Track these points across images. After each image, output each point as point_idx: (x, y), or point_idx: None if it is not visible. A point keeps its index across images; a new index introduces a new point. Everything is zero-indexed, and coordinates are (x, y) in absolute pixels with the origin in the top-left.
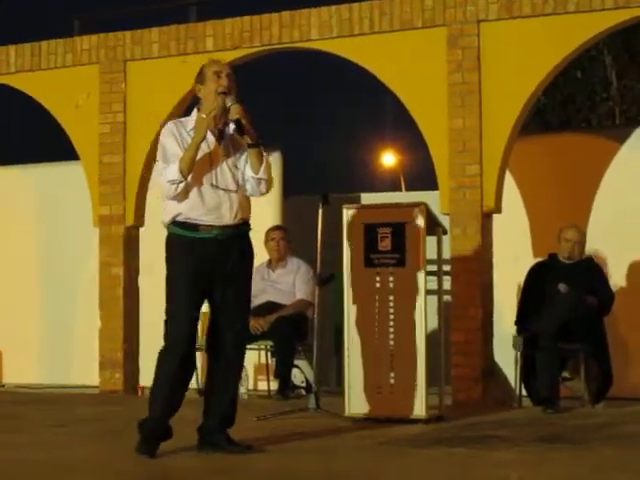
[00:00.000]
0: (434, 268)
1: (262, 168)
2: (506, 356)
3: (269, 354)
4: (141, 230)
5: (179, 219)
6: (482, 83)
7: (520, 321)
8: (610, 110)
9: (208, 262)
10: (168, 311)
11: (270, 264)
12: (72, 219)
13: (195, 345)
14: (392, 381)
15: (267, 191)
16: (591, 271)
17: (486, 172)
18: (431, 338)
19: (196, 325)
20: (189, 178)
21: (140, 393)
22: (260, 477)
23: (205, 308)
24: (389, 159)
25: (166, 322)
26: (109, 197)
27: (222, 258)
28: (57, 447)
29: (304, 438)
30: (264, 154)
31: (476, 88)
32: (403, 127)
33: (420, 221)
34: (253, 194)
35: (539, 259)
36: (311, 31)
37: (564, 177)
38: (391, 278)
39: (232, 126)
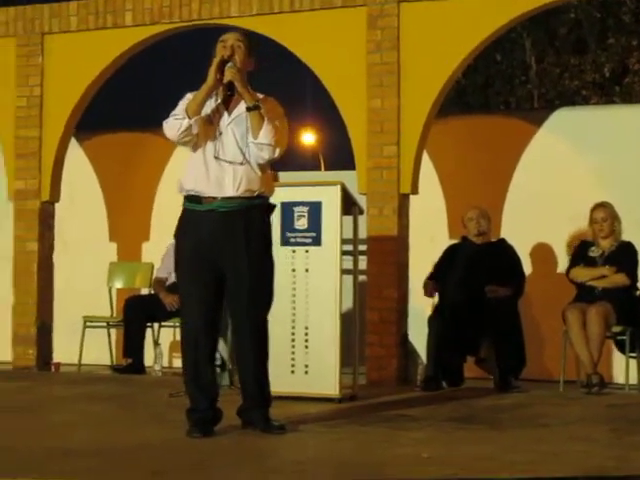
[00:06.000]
0: (350, 248)
1: (262, 132)
2: (421, 336)
3: None
4: (57, 206)
5: (186, 192)
6: (401, 64)
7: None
8: (529, 93)
9: (211, 236)
10: (179, 290)
11: None
12: None
13: (211, 321)
14: (306, 360)
15: (271, 157)
16: (503, 253)
17: (404, 153)
18: (346, 317)
19: (207, 303)
20: (197, 150)
21: (53, 369)
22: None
23: None
24: (309, 138)
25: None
26: (24, 171)
27: (225, 233)
28: None
29: None
30: (265, 118)
31: (395, 69)
32: (323, 106)
33: (337, 200)
34: (257, 161)
35: (454, 241)
36: (231, 8)
37: (482, 159)
38: (307, 257)
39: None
